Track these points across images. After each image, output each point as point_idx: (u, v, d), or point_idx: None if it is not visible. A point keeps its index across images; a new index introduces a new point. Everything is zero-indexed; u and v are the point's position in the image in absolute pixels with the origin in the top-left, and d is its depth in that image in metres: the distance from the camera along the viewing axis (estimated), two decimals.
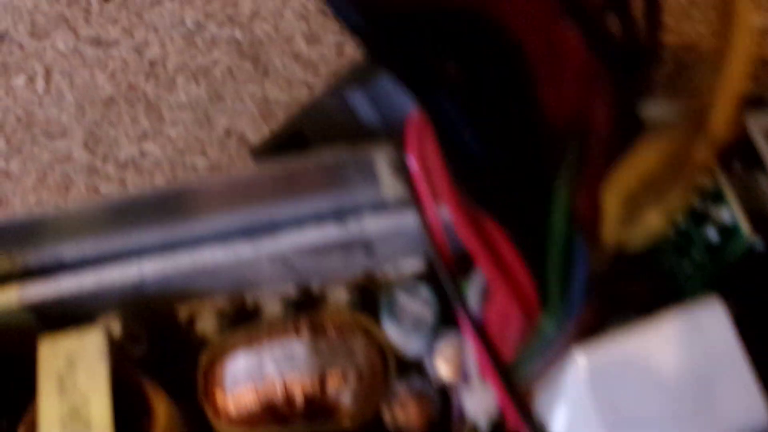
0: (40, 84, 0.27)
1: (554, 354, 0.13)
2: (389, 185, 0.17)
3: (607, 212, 0.12)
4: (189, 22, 0.27)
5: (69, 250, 0.18)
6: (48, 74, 0.27)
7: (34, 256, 0.18)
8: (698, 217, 0.18)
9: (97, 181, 0.25)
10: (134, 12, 0.28)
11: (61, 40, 0.28)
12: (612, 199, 0.12)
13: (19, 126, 0.27)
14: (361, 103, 0.21)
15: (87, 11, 0.29)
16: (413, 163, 0.14)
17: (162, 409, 0.16)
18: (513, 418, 0.14)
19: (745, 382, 0.13)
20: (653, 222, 0.13)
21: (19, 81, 0.27)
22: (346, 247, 0.18)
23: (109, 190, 0.25)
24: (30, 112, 0.27)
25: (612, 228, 0.12)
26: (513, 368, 0.13)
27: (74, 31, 0.28)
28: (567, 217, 0.12)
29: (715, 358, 0.13)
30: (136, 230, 0.18)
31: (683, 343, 0.13)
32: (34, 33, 0.28)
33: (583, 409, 0.13)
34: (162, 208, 0.18)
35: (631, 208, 0.13)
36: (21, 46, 0.28)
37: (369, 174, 0.17)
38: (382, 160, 0.17)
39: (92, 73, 0.27)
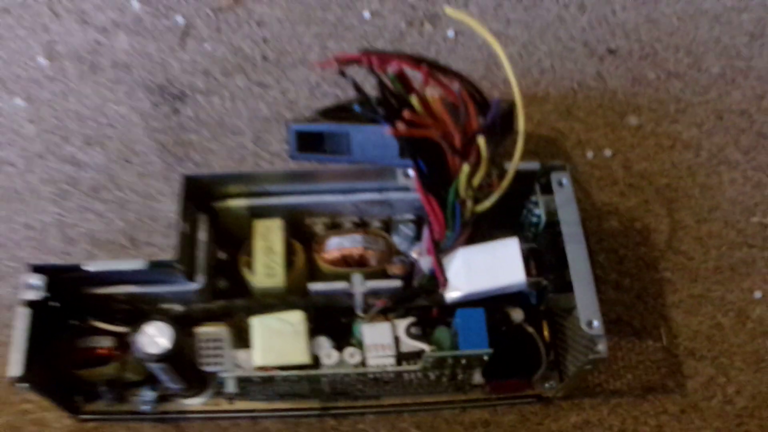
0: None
1: (451, 246, 0.40)
2: (403, 180, 0.44)
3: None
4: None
5: (269, 187, 0.45)
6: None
7: (253, 187, 0.45)
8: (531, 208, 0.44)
9: None
10: None
11: None
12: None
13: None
14: None
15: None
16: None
17: (300, 253, 0.43)
18: (437, 269, 0.40)
19: (516, 266, 0.39)
20: None
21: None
22: (382, 203, 0.45)
23: None
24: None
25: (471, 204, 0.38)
26: (438, 247, 0.40)
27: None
28: (454, 195, 0.38)
29: (505, 252, 0.39)
30: (297, 183, 0.44)
31: (497, 247, 0.39)
32: None
33: (458, 264, 0.39)
34: (306, 176, 0.45)
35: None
36: None
37: (392, 173, 0.44)
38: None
39: None
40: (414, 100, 0.36)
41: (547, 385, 0.45)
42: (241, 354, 0.42)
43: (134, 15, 0.61)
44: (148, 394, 0.46)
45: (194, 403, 0.46)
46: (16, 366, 0.40)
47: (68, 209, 0.54)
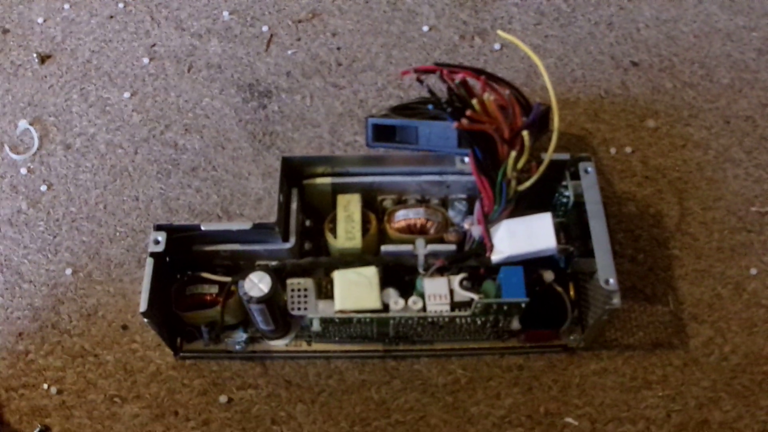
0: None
1: (498, 218, 0.50)
2: (460, 165, 0.54)
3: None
4: None
5: (349, 168, 0.55)
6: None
7: (336, 168, 0.56)
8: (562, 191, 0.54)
9: None
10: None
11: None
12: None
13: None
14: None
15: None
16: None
17: (374, 222, 0.54)
18: (485, 236, 0.51)
19: (549, 235, 0.49)
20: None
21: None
22: (440, 184, 0.55)
23: None
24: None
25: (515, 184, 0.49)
26: (487, 218, 0.50)
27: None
28: (502, 176, 0.48)
29: (540, 224, 0.49)
30: (372, 166, 0.55)
31: (534, 219, 0.49)
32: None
33: (502, 233, 0.50)
34: (379, 160, 0.55)
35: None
36: None
37: (451, 160, 0.54)
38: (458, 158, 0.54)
39: None
40: (474, 103, 0.46)
41: (572, 337, 0.55)
42: (321, 304, 0.53)
43: (225, 24, 0.73)
44: (240, 336, 0.57)
45: (279, 344, 0.57)
46: (143, 303, 0.51)
47: (170, 185, 0.65)
